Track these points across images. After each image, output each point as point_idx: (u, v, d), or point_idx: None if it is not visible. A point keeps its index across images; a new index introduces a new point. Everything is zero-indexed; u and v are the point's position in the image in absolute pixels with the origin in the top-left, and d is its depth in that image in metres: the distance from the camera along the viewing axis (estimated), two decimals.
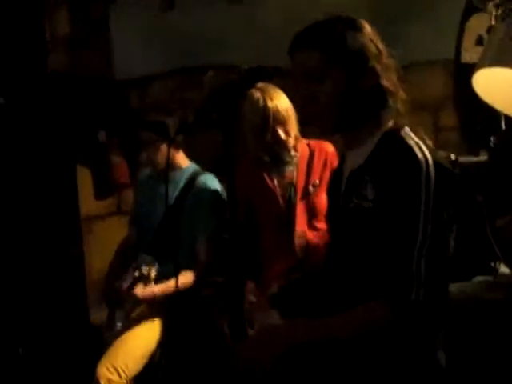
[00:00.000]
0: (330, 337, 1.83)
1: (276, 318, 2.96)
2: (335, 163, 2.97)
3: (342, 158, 2.08)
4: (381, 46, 1.91)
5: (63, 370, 3.79)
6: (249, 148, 3.14)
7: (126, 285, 3.22)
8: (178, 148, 3.40)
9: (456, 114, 4.43)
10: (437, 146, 2.00)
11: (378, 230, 1.79)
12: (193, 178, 3.38)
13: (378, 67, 1.87)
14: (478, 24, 3.92)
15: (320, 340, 1.84)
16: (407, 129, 1.88)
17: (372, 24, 1.95)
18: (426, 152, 1.79)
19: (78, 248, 4.25)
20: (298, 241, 3.11)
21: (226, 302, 2.07)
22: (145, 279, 3.12)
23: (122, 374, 3.04)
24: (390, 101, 1.89)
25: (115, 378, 3.02)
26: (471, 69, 3.41)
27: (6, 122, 3.98)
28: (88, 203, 4.29)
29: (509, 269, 3.02)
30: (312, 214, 3.14)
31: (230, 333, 2.00)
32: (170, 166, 3.32)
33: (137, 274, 3.13)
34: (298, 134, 3.17)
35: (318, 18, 1.92)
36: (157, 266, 3.12)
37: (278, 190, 3.17)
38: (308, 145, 3.22)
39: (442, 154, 1.91)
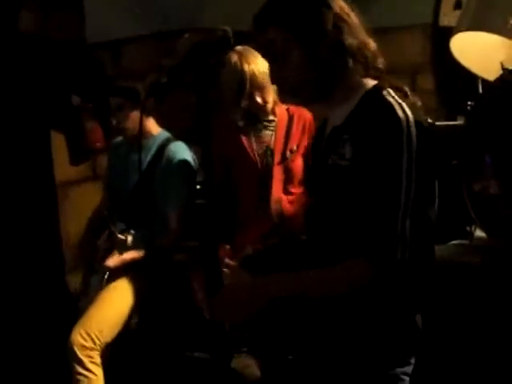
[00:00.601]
0: (304, 291, 1.82)
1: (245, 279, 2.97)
2: (313, 130, 2.96)
3: (325, 120, 2.06)
4: (344, 10, 1.88)
5: (38, 336, 3.78)
6: (226, 112, 3.12)
7: (99, 254, 3.20)
8: (148, 115, 3.36)
9: (433, 78, 4.43)
10: None
11: (356, 189, 1.77)
12: (163, 146, 3.34)
13: (337, 28, 1.84)
14: None
15: (295, 295, 1.83)
16: (389, 89, 1.86)
17: None
18: (408, 111, 1.76)
19: (54, 213, 4.21)
20: (273, 206, 3.11)
21: (200, 265, 2.07)
22: (121, 246, 3.10)
23: (96, 340, 3.03)
24: (350, 61, 1.86)
25: (89, 344, 3.01)
26: (449, 33, 3.40)
27: None
28: (63, 169, 4.25)
29: (484, 232, 3.04)
30: (288, 179, 3.14)
31: (208, 296, 1.98)
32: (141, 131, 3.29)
33: (112, 241, 3.12)
34: (277, 98, 3.15)
35: None
36: (132, 232, 3.10)
37: (256, 154, 3.15)
38: (287, 110, 3.20)
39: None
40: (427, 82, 4.38)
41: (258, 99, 3.08)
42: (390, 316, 1.84)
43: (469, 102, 3.15)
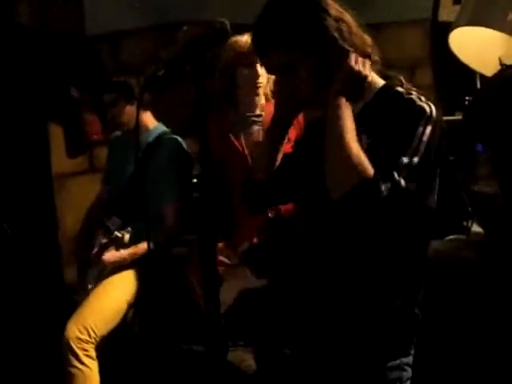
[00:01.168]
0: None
1: (247, 275, 2.97)
2: (302, 124, 2.95)
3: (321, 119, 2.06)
4: (339, 11, 1.88)
5: (34, 329, 3.77)
6: (216, 108, 3.13)
7: (96, 249, 3.19)
8: (145, 109, 3.34)
9: (432, 73, 4.43)
10: None
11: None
12: (158, 140, 3.33)
13: (339, 30, 1.85)
14: None
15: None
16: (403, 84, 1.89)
17: None
18: (427, 101, 1.81)
19: (51, 206, 4.21)
20: None
21: (198, 260, 2.06)
22: (118, 243, 3.09)
23: (92, 333, 3.02)
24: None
25: (84, 337, 3.00)
26: (448, 28, 3.40)
27: None
28: (60, 161, 4.24)
29: (481, 228, 3.04)
30: None
31: (203, 291, 1.98)
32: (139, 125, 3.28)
33: (109, 237, 3.11)
34: (269, 93, 3.14)
35: None
36: (130, 229, 3.09)
37: (246, 149, 3.15)
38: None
39: None
40: (425, 76, 4.38)
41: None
42: (391, 306, 1.85)
43: (467, 97, 3.15)
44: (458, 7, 3.70)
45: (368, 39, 1.91)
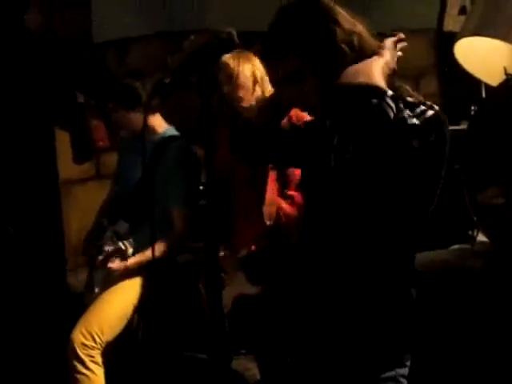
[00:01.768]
0: None
1: (243, 281, 2.99)
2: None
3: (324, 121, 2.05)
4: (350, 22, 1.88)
5: (39, 334, 3.78)
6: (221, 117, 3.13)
7: (101, 257, 3.19)
8: (153, 112, 3.34)
9: (437, 83, 4.44)
10: None
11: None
12: (166, 143, 3.31)
13: (349, 42, 1.85)
14: None
15: None
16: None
17: None
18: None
19: (57, 211, 4.22)
20: (267, 209, 3.09)
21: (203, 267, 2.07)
22: (123, 255, 3.10)
23: (97, 338, 3.02)
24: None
25: (89, 342, 3.00)
26: (454, 38, 3.41)
27: None
28: (67, 167, 4.25)
29: (486, 237, 3.04)
30: (284, 182, 3.12)
31: (206, 297, 1.99)
32: (145, 130, 3.29)
33: (113, 247, 3.12)
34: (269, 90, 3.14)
35: None
36: (132, 242, 3.09)
37: None
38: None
39: None
40: (431, 85, 4.39)
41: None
42: (389, 317, 1.85)
43: (472, 107, 3.16)
44: (463, 17, 3.71)
45: (381, 45, 1.91)
